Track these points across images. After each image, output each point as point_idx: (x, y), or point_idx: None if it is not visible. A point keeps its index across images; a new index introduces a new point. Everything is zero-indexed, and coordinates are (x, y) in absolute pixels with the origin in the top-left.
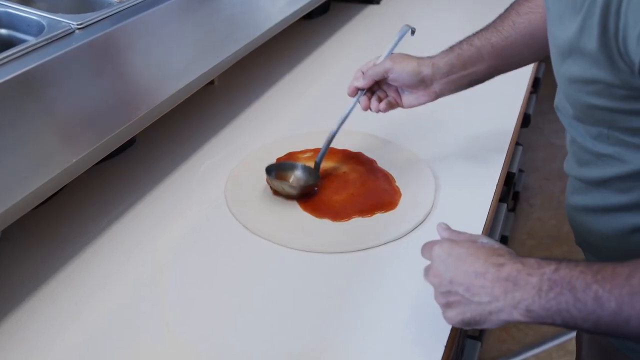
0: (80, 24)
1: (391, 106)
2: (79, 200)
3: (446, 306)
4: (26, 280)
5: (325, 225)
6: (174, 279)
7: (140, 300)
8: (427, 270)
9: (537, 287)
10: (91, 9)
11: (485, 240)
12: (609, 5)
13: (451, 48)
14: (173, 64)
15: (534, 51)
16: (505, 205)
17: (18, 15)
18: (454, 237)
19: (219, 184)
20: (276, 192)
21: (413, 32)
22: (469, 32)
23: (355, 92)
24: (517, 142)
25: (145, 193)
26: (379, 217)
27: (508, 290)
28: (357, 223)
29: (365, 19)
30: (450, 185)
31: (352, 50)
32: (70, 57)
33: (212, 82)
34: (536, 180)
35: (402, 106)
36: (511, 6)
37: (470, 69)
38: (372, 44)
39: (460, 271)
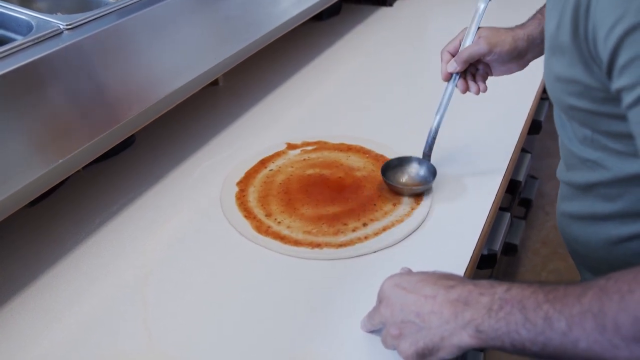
0: (70, 25)
1: (485, 80)
2: (75, 200)
3: (399, 337)
4: (14, 279)
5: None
6: (160, 283)
7: (124, 305)
8: (378, 308)
9: (488, 307)
10: (90, 10)
11: (439, 271)
12: (579, 5)
13: (542, 14)
14: (168, 64)
15: None
16: (508, 214)
17: (8, 14)
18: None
19: (215, 186)
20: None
21: None
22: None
23: (449, 77)
24: (525, 150)
25: (140, 194)
26: (372, 223)
27: (458, 311)
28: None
29: (377, 22)
30: (447, 193)
31: (362, 53)
32: (57, 57)
33: (216, 83)
34: (553, 188)
35: (492, 75)
36: None
37: None
38: (383, 47)
39: (410, 298)
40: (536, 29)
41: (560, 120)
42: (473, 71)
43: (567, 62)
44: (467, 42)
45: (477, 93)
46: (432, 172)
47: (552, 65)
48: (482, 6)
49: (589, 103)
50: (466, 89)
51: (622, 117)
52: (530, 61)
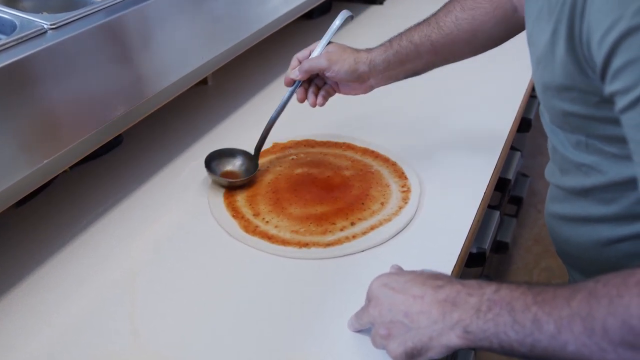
0: (54, 24)
1: (328, 96)
2: (63, 200)
3: (388, 337)
4: (0, 280)
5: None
6: (147, 283)
7: (111, 305)
8: (366, 308)
9: (476, 308)
10: (76, 9)
11: (428, 270)
12: (575, 8)
13: (390, 43)
14: (155, 63)
15: (474, 47)
16: (497, 212)
17: None
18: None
19: (202, 186)
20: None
21: (352, 18)
22: None
23: (291, 82)
24: (515, 148)
25: (128, 194)
26: (360, 222)
27: (446, 311)
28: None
29: (367, 20)
30: (435, 191)
31: None
32: (41, 57)
33: (205, 82)
34: (545, 186)
35: (339, 92)
36: None
37: (406, 65)
38: (373, 45)
39: (398, 298)
40: (380, 56)
41: (550, 126)
42: (320, 84)
43: (561, 70)
44: (315, 54)
45: (313, 106)
46: (254, 165)
47: (541, 74)
48: (337, 22)
49: (583, 108)
50: (304, 99)
51: (618, 121)
52: (373, 87)
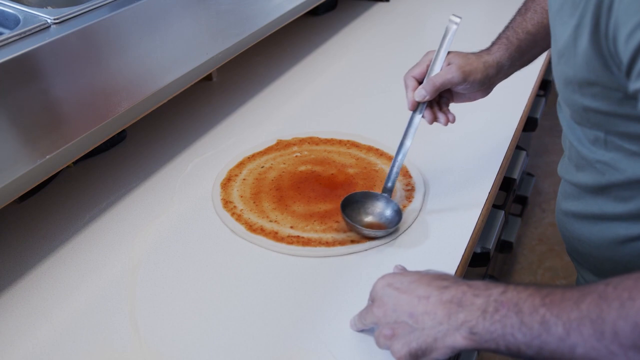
0: (57, 19)
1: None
2: (65, 195)
3: (392, 338)
4: (2, 275)
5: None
6: (148, 281)
7: (111, 302)
8: (370, 308)
9: (482, 309)
10: (80, 4)
11: (433, 270)
12: (601, 3)
13: (507, 39)
14: (159, 59)
15: None
16: (502, 211)
17: None
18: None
19: (207, 182)
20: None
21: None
22: (481, 31)
23: (416, 105)
24: (521, 147)
25: (131, 190)
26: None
27: (452, 312)
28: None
29: (373, 17)
30: (440, 190)
31: (357, 49)
32: (44, 51)
33: (210, 78)
34: (550, 185)
35: (453, 102)
36: None
37: (525, 56)
38: (379, 42)
39: (403, 298)
40: (504, 55)
41: (568, 122)
42: (437, 99)
43: (583, 64)
44: (436, 68)
45: (446, 124)
46: (398, 213)
47: (563, 68)
48: (453, 28)
49: (605, 104)
50: (434, 119)
51: None
52: (492, 89)
